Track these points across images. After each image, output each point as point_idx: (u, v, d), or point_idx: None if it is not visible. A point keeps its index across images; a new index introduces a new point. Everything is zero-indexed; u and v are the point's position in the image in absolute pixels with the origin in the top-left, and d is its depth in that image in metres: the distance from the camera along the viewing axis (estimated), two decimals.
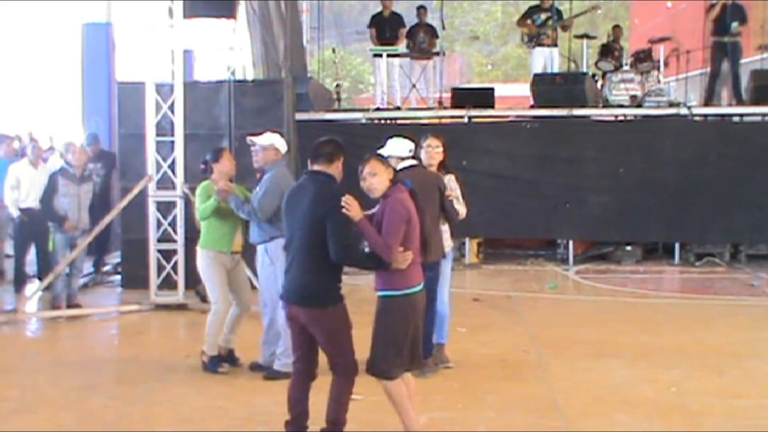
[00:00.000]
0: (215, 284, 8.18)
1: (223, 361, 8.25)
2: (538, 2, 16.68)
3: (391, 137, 7.68)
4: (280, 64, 14.55)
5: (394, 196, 5.85)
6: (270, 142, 8.00)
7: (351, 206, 5.68)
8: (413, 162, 7.57)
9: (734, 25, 15.26)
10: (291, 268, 5.93)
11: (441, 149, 8.07)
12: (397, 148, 7.55)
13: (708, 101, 15.71)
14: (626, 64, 16.36)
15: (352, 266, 5.99)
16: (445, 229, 8.01)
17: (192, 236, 11.43)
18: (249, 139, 8.09)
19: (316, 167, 5.97)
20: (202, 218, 8.19)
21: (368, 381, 6.39)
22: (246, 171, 8.83)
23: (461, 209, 8.02)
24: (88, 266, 13.23)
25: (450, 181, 8.02)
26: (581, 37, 17.42)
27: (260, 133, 8.06)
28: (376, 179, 5.87)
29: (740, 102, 15.42)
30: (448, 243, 8.10)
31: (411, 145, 7.64)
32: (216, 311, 8.16)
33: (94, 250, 13.16)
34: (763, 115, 15.28)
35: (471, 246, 15.19)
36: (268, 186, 7.82)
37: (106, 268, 13.99)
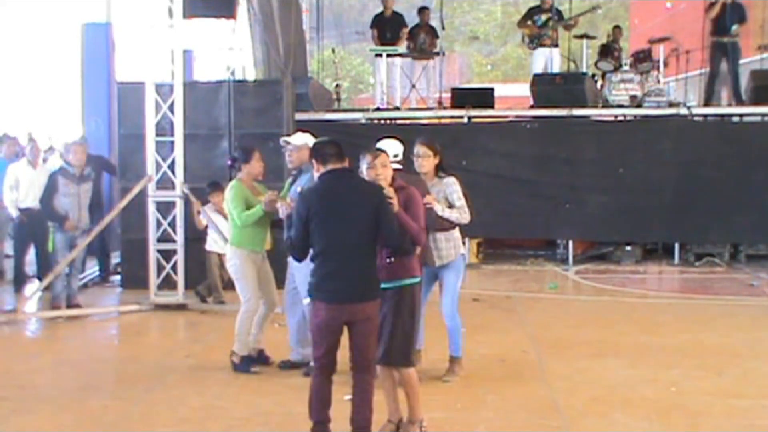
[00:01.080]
0: (248, 283, 8.15)
1: (253, 361, 8.23)
2: (538, 3, 16.69)
3: (381, 138, 7.62)
4: (281, 65, 14.53)
5: (411, 187, 6.31)
6: (304, 142, 7.99)
7: (393, 197, 6.02)
8: (398, 166, 7.43)
9: (734, 27, 15.27)
10: (343, 270, 5.83)
11: (430, 157, 7.79)
12: (390, 148, 7.51)
13: (707, 101, 15.71)
14: (626, 65, 16.37)
15: (399, 251, 6.16)
16: (447, 236, 7.74)
17: (192, 236, 11.52)
18: (283, 140, 8.16)
19: (332, 166, 5.96)
20: (245, 225, 8.07)
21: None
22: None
23: (458, 214, 7.68)
24: (90, 266, 13.24)
25: (451, 184, 7.80)
26: (581, 37, 17.42)
27: (294, 133, 8.13)
28: (386, 171, 6.23)
29: (740, 102, 15.42)
30: (449, 250, 7.81)
31: (399, 149, 7.47)
32: (247, 309, 8.13)
33: (97, 252, 13.14)
34: (763, 115, 15.28)
35: (471, 246, 15.19)
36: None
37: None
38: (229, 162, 8.44)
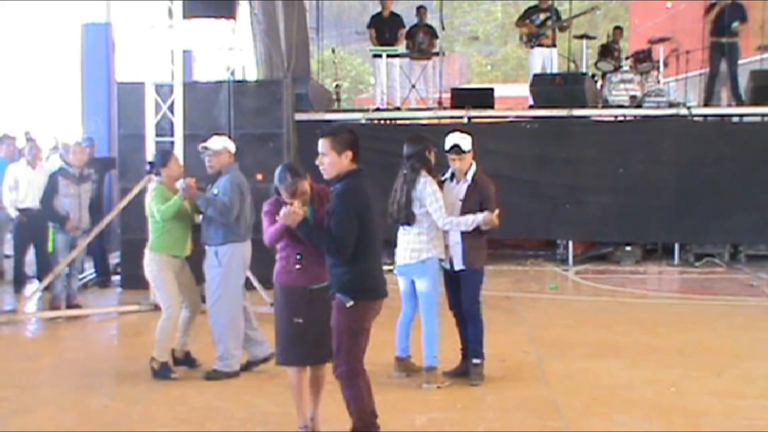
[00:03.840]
0: (168, 289, 8.15)
1: (181, 364, 8.25)
2: (537, 2, 16.69)
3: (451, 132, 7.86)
4: (282, 65, 14.54)
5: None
6: (223, 146, 8.06)
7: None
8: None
9: (735, 24, 15.28)
10: (379, 267, 6.05)
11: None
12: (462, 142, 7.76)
13: (707, 102, 15.72)
14: (626, 65, 16.36)
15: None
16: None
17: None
18: (200, 145, 8.12)
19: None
20: (165, 219, 8.07)
21: None
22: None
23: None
24: (88, 267, 13.24)
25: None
26: (581, 37, 17.43)
27: (212, 137, 8.11)
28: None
29: (739, 103, 15.43)
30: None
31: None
32: (169, 316, 8.12)
33: (94, 253, 13.12)
34: (763, 115, 15.28)
35: None
36: (230, 187, 7.88)
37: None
38: (147, 167, 8.42)
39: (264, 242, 6.29)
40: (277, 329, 6.26)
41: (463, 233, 7.70)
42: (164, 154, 8.56)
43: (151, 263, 8.19)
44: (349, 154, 5.83)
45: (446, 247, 7.77)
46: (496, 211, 7.61)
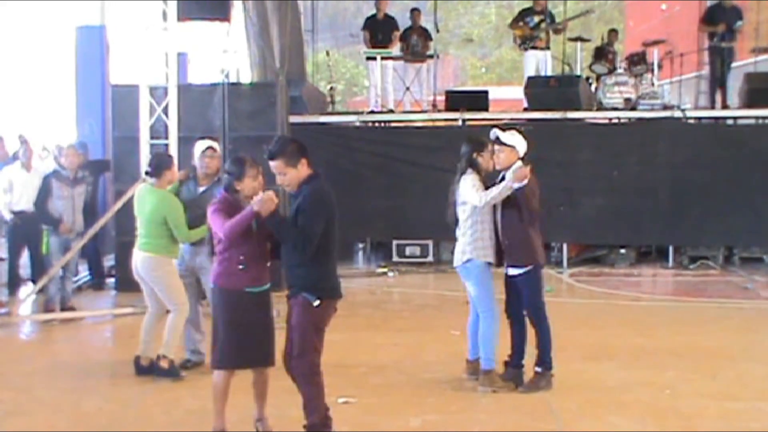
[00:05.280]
0: (178, 288, 8.21)
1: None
2: (531, 5, 16.70)
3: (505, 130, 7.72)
4: (276, 67, 14.53)
5: None
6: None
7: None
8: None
9: (738, 23, 15.35)
10: (335, 267, 6.21)
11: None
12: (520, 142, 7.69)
13: (712, 106, 15.74)
14: (620, 67, 16.38)
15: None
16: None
17: None
18: (209, 145, 8.32)
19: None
20: (185, 239, 8.15)
21: (362, 384, 6.43)
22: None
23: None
24: (83, 269, 13.22)
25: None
26: (575, 39, 17.44)
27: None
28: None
29: (726, 106, 15.47)
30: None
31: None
32: (181, 314, 8.18)
33: (88, 255, 13.10)
34: (757, 117, 15.32)
35: None
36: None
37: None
38: (149, 170, 8.35)
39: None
40: (215, 332, 6.21)
41: (508, 232, 7.57)
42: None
43: (157, 267, 8.16)
44: (304, 161, 5.97)
45: (498, 249, 7.65)
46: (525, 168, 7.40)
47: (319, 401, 6.06)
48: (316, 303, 5.91)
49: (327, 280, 6.06)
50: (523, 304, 7.73)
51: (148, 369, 8.18)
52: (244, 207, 6.01)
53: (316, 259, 5.94)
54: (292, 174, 5.91)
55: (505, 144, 7.59)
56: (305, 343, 5.98)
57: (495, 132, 7.67)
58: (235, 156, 6.44)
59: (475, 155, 7.64)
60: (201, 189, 8.33)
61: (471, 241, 7.58)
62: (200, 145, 8.37)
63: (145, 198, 8.29)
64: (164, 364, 8.08)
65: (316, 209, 5.90)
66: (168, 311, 8.25)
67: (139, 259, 8.24)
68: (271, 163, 5.94)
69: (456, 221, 7.69)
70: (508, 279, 7.75)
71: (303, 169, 5.94)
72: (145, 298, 8.46)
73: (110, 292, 12.98)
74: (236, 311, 6.12)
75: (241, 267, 6.07)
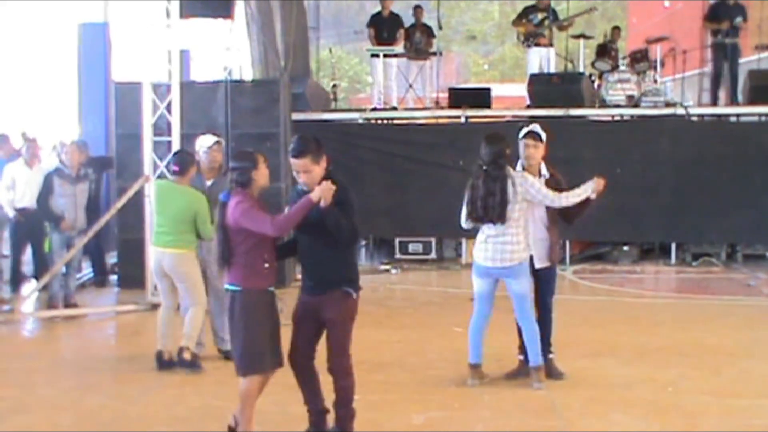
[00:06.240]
0: (200, 283, 8.27)
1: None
2: (534, 2, 16.68)
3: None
4: (279, 64, 14.53)
5: None
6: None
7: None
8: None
9: (738, 20, 15.33)
10: None
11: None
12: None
13: (714, 103, 15.72)
14: (623, 64, 16.37)
15: None
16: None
17: None
18: (216, 140, 8.44)
19: None
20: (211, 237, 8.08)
21: (365, 381, 6.42)
22: None
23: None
24: (86, 266, 13.23)
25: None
26: (578, 37, 17.44)
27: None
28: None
29: (733, 103, 15.45)
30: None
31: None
32: (202, 308, 8.25)
33: (91, 252, 13.11)
34: (760, 115, 15.29)
35: (468, 246, 15.16)
36: None
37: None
38: (176, 168, 8.34)
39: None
40: (244, 336, 5.92)
41: (548, 229, 7.80)
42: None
43: (186, 263, 8.20)
44: (324, 158, 5.97)
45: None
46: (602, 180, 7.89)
47: (353, 395, 6.13)
48: (355, 295, 5.99)
49: (357, 273, 6.14)
50: (544, 293, 8.00)
51: (169, 363, 8.21)
52: (260, 201, 5.99)
53: (350, 252, 6.09)
54: (316, 171, 5.86)
55: (541, 140, 7.71)
56: (346, 339, 6.02)
57: (535, 127, 7.75)
58: (238, 151, 6.43)
59: (507, 150, 7.74)
60: (209, 182, 8.36)
61: (525, 238, 7.58)
62: (207, 140, 8.44)
63: (171, 195, 8.30)
64: (187, 355, 8.13)
65: (352, 203, 5.92)
66: (178, 306, 8.34)
67: (165, 256, 8.21)
68: (297, 162, 5.84)
69: (482, 218, 7.53)
70: (533, 273, 7.77)
71: (324, 165, 5.94)
72: (150, 295, 8.46)
73: (113, 289, 13.01)
74: (266, 311, 5.99)
75: (266, 266, 5.97)
